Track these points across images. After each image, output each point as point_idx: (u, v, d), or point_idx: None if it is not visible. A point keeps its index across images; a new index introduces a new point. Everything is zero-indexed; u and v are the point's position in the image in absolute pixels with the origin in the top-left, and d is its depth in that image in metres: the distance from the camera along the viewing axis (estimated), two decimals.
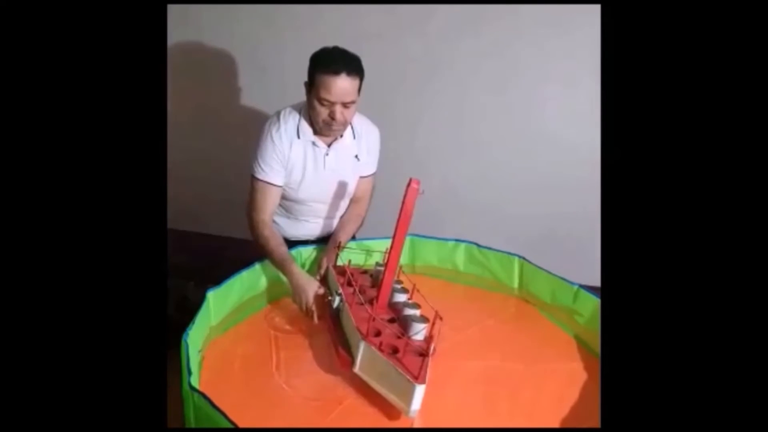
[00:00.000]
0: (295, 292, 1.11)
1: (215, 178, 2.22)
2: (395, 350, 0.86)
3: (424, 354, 0.81)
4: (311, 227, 1.41)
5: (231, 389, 0.88)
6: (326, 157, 1.26)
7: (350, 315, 0.97)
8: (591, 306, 1.14)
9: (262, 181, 1.24)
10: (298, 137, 1.24)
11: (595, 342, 1.09)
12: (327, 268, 1.21)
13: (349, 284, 1.08)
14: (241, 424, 0.69)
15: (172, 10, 1.83)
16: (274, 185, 1.25)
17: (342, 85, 1.10)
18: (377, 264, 1.21)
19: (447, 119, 2.01)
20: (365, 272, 1.21)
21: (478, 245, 1.37)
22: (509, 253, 1.33)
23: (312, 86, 1.15)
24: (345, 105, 1.14)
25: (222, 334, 1.04)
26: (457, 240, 1.39)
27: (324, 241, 1.36)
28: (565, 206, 2.00)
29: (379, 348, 0.86)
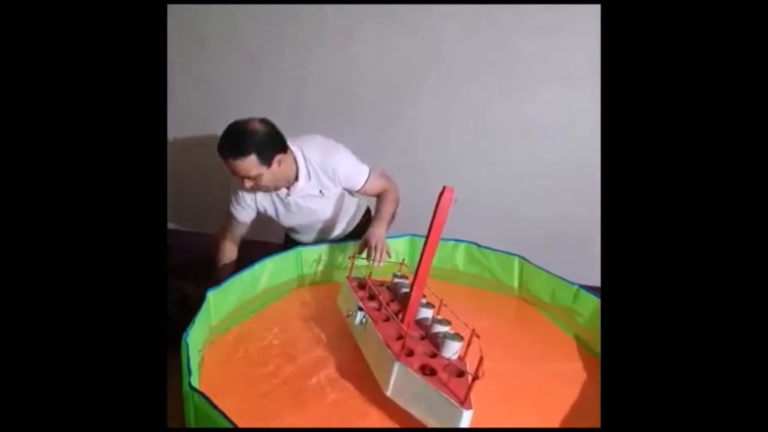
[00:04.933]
0: None
1: (215, 179, 2.22)
2: (432, 371, 0.79)
3: (474, 377, 0.72)
4: (316, 237, 1.51)
5: (231, 389, 0.88)
6: (289, 199, 1.34)
7: (377, 332, 0.89)
8: (591, 306, 1.14)
9: (230, 214, 1.39)
10: None
11: (595, 342, 1.09)
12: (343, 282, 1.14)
13: (371, 298, 1.02)
14: (241, 424, 0.69)
15: (172, 10, 1.83)
16: (239, 221, 1.38)
17: (233, 167, 1.17)
18: (395, 275, 1.13)
19: (446, 119, 2.01)
20: (382, 284, 1.12)
21: (478, 245, 1.37)
22: (509, 253, 1.33)
23: None
24: (250, 178, 1.19)
25: (222, 334, 1.04)
26: (457, 240, 1.39)
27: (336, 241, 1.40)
28: (565, 206, 2.00)
29: (416, 369, 0.79)
